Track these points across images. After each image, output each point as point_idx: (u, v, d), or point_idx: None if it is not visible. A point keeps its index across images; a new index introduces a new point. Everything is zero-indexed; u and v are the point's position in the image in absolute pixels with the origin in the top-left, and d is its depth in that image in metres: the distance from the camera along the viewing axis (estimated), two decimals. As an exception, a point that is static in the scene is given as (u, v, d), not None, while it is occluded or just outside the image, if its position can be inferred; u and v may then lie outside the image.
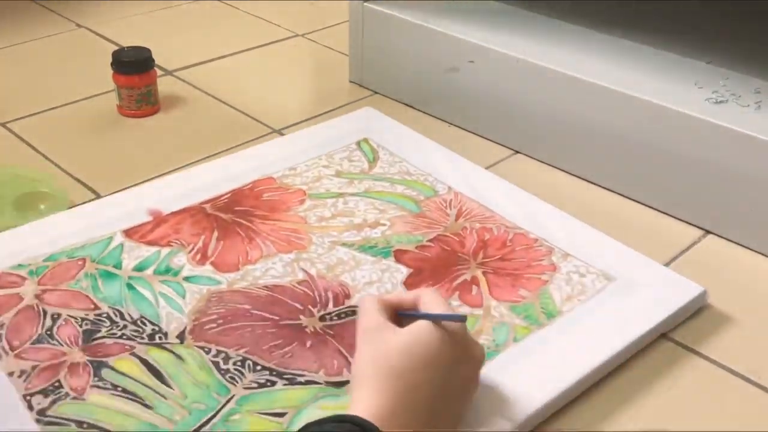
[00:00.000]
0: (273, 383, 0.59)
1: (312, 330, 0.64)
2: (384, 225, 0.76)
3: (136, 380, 0.59)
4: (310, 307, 0.67)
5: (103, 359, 0.60)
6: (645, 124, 0.80)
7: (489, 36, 0.92)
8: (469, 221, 0.77)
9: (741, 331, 0.69)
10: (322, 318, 0.65)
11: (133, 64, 0.95)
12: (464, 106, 0.96)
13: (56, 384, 0.58)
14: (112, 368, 0.60)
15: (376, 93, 1.04)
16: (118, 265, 0.69)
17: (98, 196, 0.82)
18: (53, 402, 0.57)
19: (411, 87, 1.01)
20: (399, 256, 0.73)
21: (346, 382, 0.59)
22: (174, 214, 0.76)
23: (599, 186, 0.87)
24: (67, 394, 0.57)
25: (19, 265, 0.69)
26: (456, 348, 0.53)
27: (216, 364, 0.61)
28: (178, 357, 0.61)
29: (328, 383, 0.60)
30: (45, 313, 0.64)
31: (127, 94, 0.96)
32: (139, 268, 0.69)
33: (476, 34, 0.92)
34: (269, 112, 0.99)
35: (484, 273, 0.71)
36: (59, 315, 0.64)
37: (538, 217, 0.78)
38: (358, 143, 0.89)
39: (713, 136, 0.76)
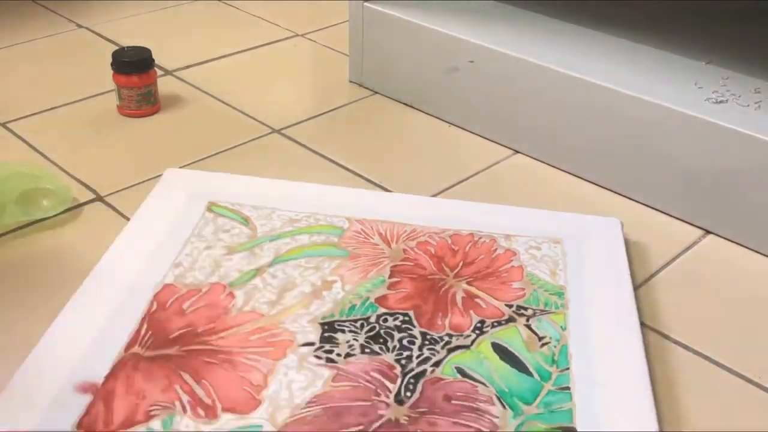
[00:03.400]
0: None
1: (406, 418, 0.57)
2: (335, 281, 0.69)
3: None
4: (374, 398, 0.59)
5: None
6: (645, 124, 0.80)
7: (489, 36, 0.92)
8: (402, 243, 0.74)
9: (741, 331, 0.69)
10: (399, 402, 0.58)
11: (133, 64, 0.95)
12: (464, 106, 0.96)
13: None
14: None
15: (376, 93, 1.04)
16: None
17: (98, 196, 0.82)
18: None
19: (411, 87, 1.01)
20: (384, 303, 0.67)
21: None
22: (111, 376, 0.59)
23: (598, 185, 0.87)
24: None
25: None
26: None
27: None
28: None
29: None
30: None
31: (127, 94, 0.96)
32: None
33: (476, 34, 0.92)
34: (269, 112, 0.99)
35: (469, 283, 0.70)
36: None
37: (448, 213, 0.78)
38: (211, 210, 0.77)
39: (713, 136, 0.76)
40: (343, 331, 0.64)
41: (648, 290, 0.73)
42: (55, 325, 0.63)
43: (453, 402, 0.59)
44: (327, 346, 0.63)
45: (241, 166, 0.87)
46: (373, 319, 0.66)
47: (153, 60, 0.97)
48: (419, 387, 0.60)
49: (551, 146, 0.90)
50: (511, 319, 0.66)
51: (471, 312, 0.67)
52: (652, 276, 0.74)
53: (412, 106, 1.01)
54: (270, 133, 0.95)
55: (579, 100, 0.85)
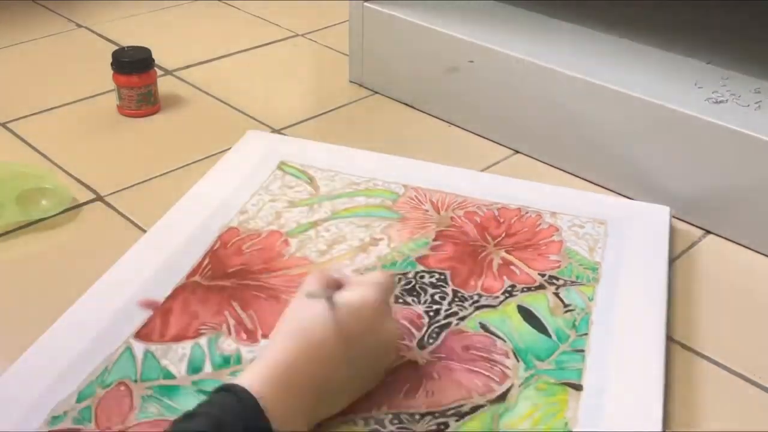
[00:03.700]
0: (446, 425, 0.56)
1: (423, 361, 0.61)
2: (382, 239, 0.74)
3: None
4: (399, 342, 0.62)
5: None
6: (645, 124, 0.80)
7: (489, 36, 0.92)
8: (451, 211, 0.78)
9: (741, 331, 0.69)
10: (421, 347, 0.63)
11: (133, 64, 0.95)
12: (464, 106, 0.96)
13: None
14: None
15: (376, 93, 1.04)
16: (168, 375, 0.59)
17: (98, 196, 0.82)
18: None
19: (411, 87, 1.01)
20: (424, 262, 0.71)
21: (507, 393, 0.59)
22: (171, 298, 0.66)
23: (599, 185, 0.87)
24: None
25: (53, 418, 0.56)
26: (368, 317, 0.56)
27: None
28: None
29: (491, 401, 0.58)
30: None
31: (127, 94, 0.96)
32: (195, 370, 0.60)
33: (476, 34, 0.92)
34: (269, 113, 0.99)
35: (507, 252, 0.73)
36: None
37: (499, 188, 0.82)
38: (281, 169, 0.84)
39: (713, 136, 0.76)
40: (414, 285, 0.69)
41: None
42: (127, 253, 0.71)
43: (471, 352, 0.63)
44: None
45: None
46: (411, 275, 0.70)
47: (153, 60, 0.97)
48: (442, 336, 0.64)
49: (551, 146, 0.90)
50: (541, 287, 0.69)
51: (504, 277, 0.70)
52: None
53: (412, 106, 1.01)
54: (270, 133, 0.95)
55: (578, 100, 0.85)
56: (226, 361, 0.61)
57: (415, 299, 0.67)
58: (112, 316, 0.64)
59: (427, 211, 0.78)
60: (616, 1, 1.03)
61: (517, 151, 0.93)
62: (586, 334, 0.64)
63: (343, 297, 0.56)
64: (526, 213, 0.78)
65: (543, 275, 0.70)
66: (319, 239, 0.74)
